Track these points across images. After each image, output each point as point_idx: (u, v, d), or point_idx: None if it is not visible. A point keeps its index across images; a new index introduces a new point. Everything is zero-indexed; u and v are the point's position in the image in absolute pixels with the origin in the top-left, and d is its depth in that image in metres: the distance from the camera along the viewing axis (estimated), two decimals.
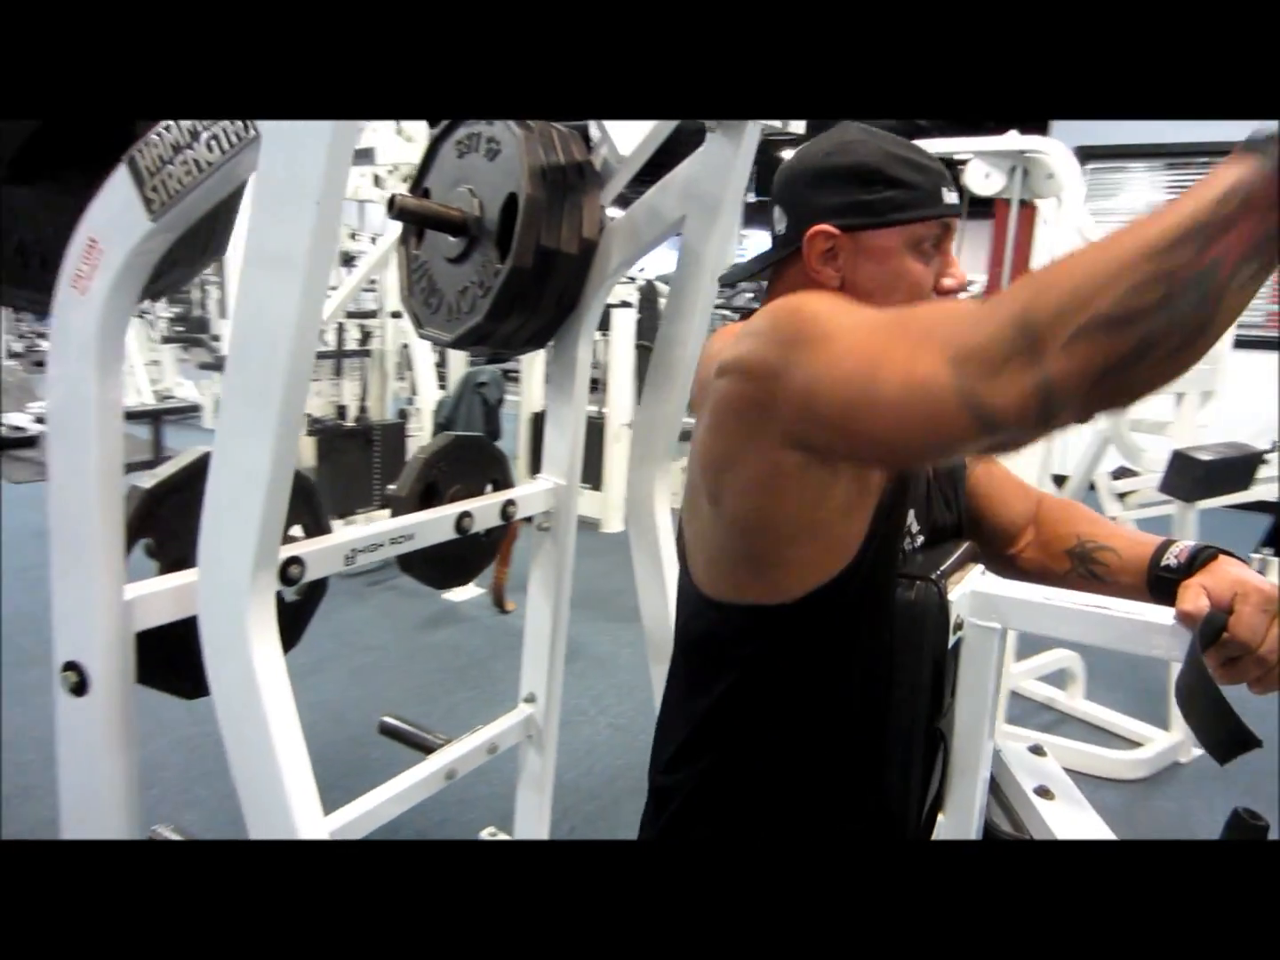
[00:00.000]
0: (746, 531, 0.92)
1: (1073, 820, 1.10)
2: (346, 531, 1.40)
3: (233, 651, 1.03)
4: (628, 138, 1.53)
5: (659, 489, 1.65)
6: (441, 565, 1.67)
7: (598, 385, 4.79)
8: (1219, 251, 0.57)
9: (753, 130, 1.40)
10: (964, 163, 2.56)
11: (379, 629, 3.44)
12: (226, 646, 1.04)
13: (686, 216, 1.49)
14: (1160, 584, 0.98)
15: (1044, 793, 1.13)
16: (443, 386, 4.23)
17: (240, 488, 1.01)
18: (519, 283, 1.50)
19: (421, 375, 3.94)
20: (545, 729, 1.84)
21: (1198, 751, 2.86)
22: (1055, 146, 2.47)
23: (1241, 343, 3.22)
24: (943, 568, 0.98)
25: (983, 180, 2.52)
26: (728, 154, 1.42)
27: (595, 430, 4.05)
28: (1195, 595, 0.90)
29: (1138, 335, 0.58)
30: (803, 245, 0.96)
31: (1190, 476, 2.41)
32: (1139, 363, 0.59)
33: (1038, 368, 0.61)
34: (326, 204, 0.88)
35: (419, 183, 1.68)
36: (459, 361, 5.19)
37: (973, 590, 0.99)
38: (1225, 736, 0.84)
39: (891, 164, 0.94)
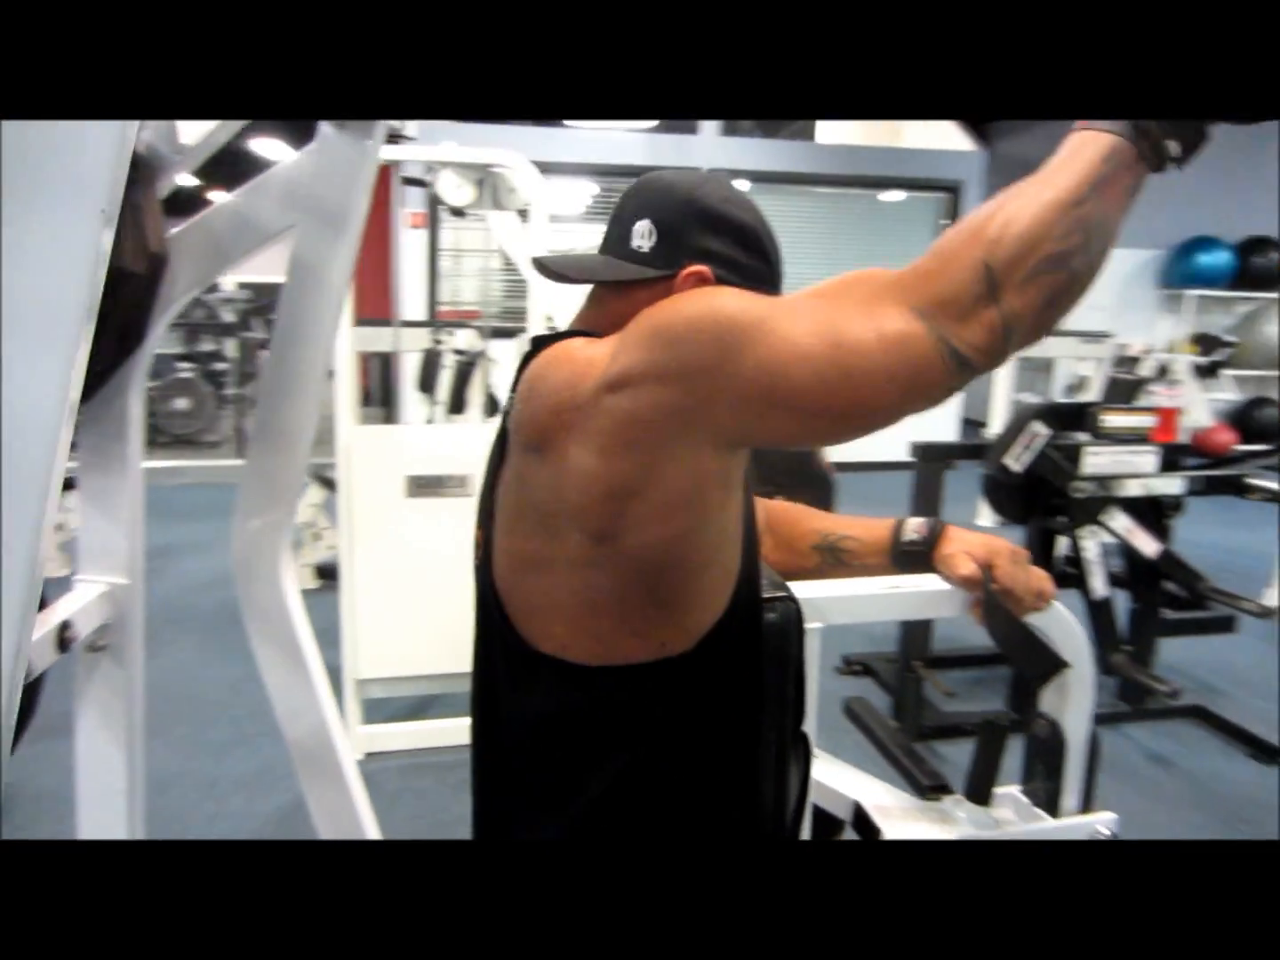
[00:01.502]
0: (653, 569, 0.83)
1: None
2: None
3: None
4: None
5: (282, 551, 1.34)
6: None
7: None
8: (1108, 199, 0.72)
9: (380, 129, 1.21)
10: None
11: None
12: None
13: (297, 227, 1.23)
14: (906, 557, 1.13)
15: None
16: None
17: None
18: None
19: None
20: None
21: None
22: (518, 160, 2.55)
23: None
24: (785, 583, 1.00)
25: (454, 191, 2.52)
26: (351, 156, 1.20)
27: None
28: (966, 561, 1.06)
29: (1070, 269, 0.71)
30: (676, 278, 0.91)
31: None
32: (1070, 289, 0.72)
33: (999, 307, 0.70)
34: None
35: None
36: None
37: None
38: (1044, 665, 1.02)
39: (765, 236, 0.95)
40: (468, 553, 0.99)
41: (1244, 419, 8.09)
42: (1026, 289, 0.70)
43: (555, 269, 0.97)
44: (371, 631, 2.73)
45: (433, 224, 6.96)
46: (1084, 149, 0.72)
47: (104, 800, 1.34)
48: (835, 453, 6.58)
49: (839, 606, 1.05)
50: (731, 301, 0.76)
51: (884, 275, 0.76)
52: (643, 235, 0.92)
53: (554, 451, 0.82)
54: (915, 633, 2.96)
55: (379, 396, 7.31)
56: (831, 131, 8.77)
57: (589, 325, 0.94)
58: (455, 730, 2.81)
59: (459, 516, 2.70)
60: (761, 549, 1.18)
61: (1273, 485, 2.94)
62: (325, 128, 1.20)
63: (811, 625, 1.03)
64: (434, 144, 2.76)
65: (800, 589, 1.02)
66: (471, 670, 1.00)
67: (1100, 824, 1.13)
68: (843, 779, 1.19)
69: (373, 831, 1.35)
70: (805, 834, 1.08)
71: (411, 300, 6.95)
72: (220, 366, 8.46)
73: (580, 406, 0.80)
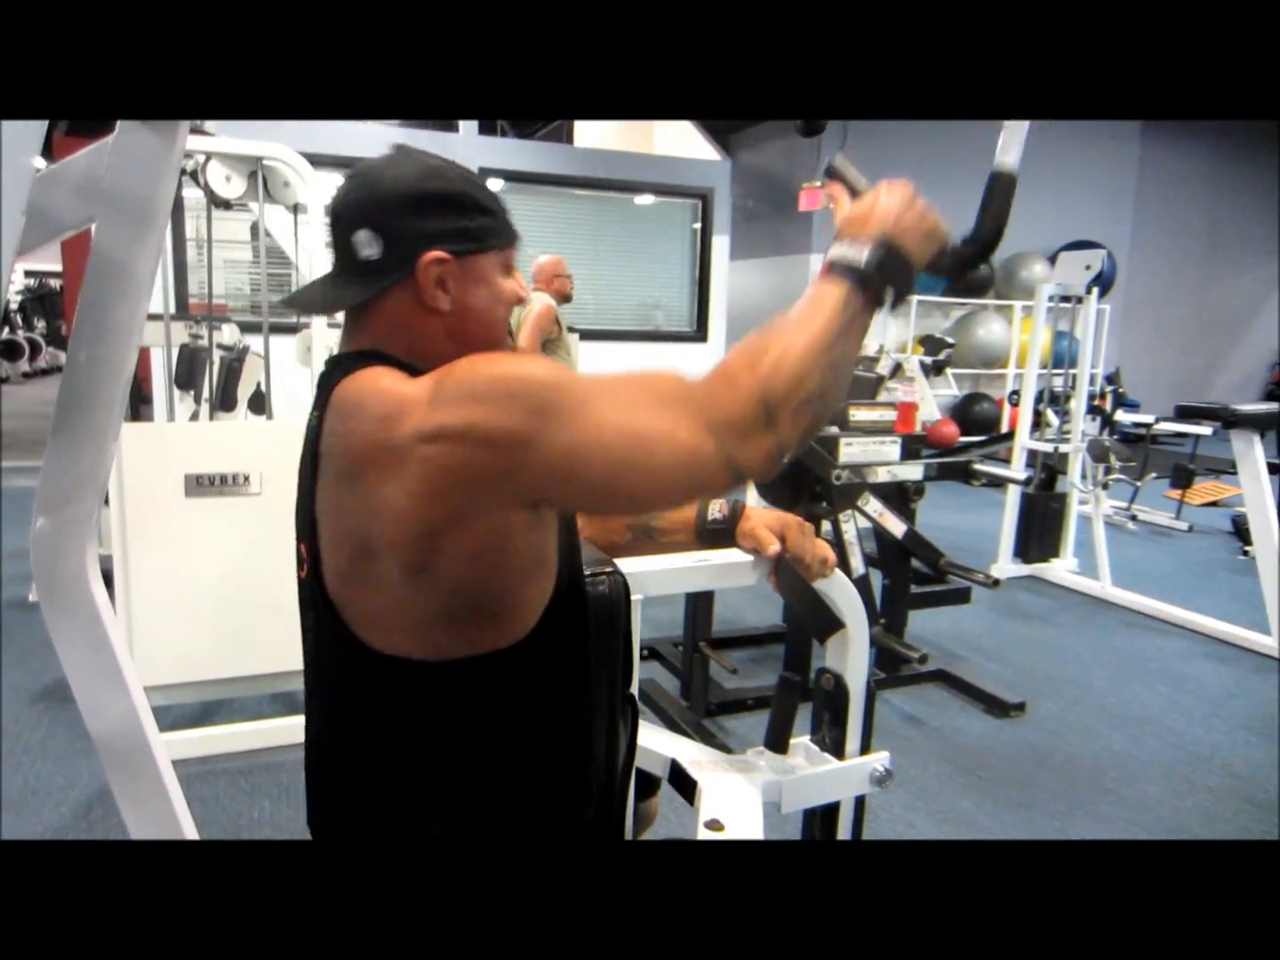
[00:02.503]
0: (470, 593, 0.90)
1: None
2: None
3: None
4: None
5: (87, 547, 1.28)
6: None
7: None
8: (850, 341, 0.90)
9: (186, 121, 1.19)
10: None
11: None
12: None
13: (97, 220, 1.18)
14: (711, 533, 1.26)
15: (715, 825, 1.11)
16: None
17: None
18: None
19: None
20: None
21: None
22: (291, 154, 2.49)
23: None
24: (608, 558, 1.09)
25: (224, 184, 2.41)
26: (154, 146, 1.17)
27: None
28: (768, 535, 1.21)
29: (826, 402, 0.89)
30: (416, 271, 0.94)
31: None
32: (826, 414, 0.91)
33: (774, 434, 0.85)
34: None
35: None
36: None
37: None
38: (824, 623, 1.18)
39: (480, 193, 0.99)
40: (254, 553, 0.99)
41: (964, 413, 9.08)
42: (795, 420, 0.85)
43: (305, 304, 1.00)
44: (150, 637, 2.58)
45: (178, 212, 6.53)
46: (826, 299, 0.89)
47: None
48: None
49: (656, 579, 1.17)
50: (549, 379, 0.84)
51: (680, 386, 0.87)
52: (366, 245, 0.95)
53: (366, 485, 0.86)
54: (699, 616, 3.16)
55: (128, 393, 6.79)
56: (587, 136, 9.01)
57: (367, 341, 0.97)
58: (246, 735, 2.71)
59: (243, 516, 2.61)
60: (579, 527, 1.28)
61: (994, 470, 3.38)
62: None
63: (634, 597, 1.13)
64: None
65: (621, 565, 1.12)
66: (304, 672, 1.02)
67: (877, 762, 1.31)
68: (657, 740, 1.31)
69: (190, 831, 1.33)
70: (630, 791, 1.18)
71: (159, 293, 6.49)
72: None
73: (394, 449, 0.84)
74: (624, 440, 0.82)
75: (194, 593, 2.60)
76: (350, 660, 0.93)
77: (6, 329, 8.46)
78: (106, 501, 2.48)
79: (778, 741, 1.30)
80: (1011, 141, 1.02)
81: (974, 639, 3.99)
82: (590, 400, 0.83)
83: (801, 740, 1.35)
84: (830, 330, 0.87)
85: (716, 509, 1.27)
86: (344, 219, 0.96)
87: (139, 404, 6.16)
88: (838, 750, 1.32)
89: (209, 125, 1.20)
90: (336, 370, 0.94)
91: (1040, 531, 4.66)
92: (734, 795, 1.18)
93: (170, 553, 2.57)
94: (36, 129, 0.64)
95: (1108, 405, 5.12)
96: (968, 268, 1.02)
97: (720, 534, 1.26)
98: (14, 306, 8.06)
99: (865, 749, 1.34)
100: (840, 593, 1.27)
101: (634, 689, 1.13)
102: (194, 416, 3.96)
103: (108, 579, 2.56)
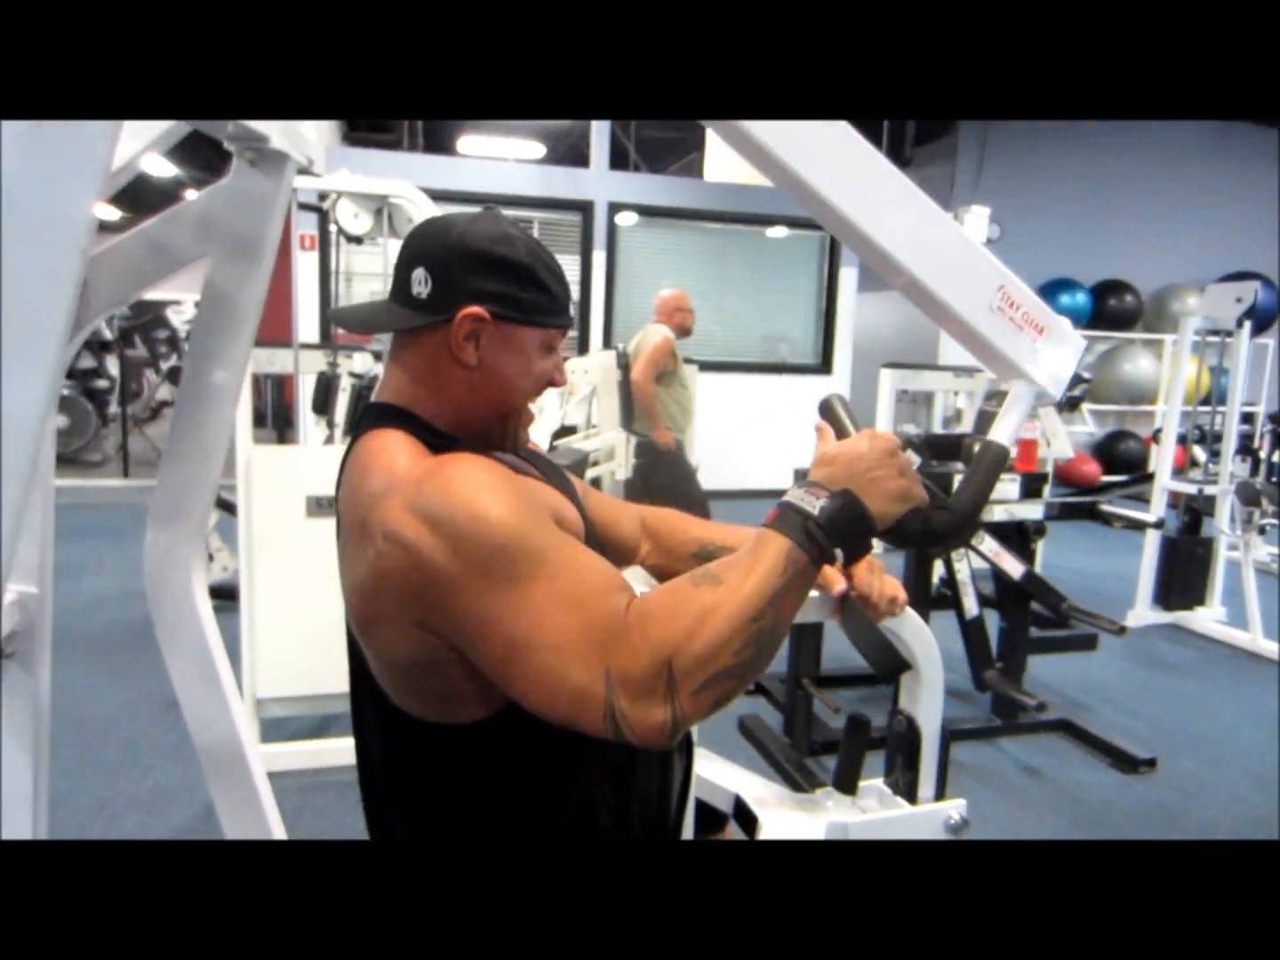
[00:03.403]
0: (413, 679, 0.91)
1: None
2: None
3: None
4: None
5: (195, 565, 1.38)
6: None
7: None
8: (784, 608, 0.81)
9: (293, 164, 1.28)
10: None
11: None
12: None
13: (210, 256, 1.28)
14: None
15: None
16: None
17: None
18: None
19: None
20: None
21: None
22: (414, 192, 2.62)
23: None
24: None
25: (353, 220, 2.57)
26: (265, 189, 1.27)
27: None
28: (833, 572, 1.18)
29: (740, 678, 0.79)
30: (453, 321, 0.96)
31: None
32: (736, 691, 0.80)
33: (672, 706, 0.77)
34: None
35: None
36: None
37: None
38: (889, 664, 1.14)
39: (542, 269, 0.99)
40: None
41: (1107, 451, 8.64)
42: (699, 696, 0.77)
43: (344, 320, 1.04)
44: (271, 650, 2.73)
45: (324, 247, 6.91)
46: (767, 551, 0.81)
47: (10, 806, 1.34)
48: (722, 479, 6.70)
49: None
50: (508, 536, 0.82)
51: (609, 608, 0.81)
52: (420, 282, 0.97)
53: (348, 549, 0.91)
54: (805, 652, 3.10)
55: (274, 419, 7.24)
56: (718, 169, 9.08)
57: (396, 389, 1.00)
58: None
59: None
60: (640, 553, 1.28)
61: (1124, 512, 3.21)
62: (239, 161, 1.26)
63: None
64: (329, 171, 2.81)
65: None
66: (350, 700, 1.06)
67: (953, 810, 1.26)
68: (724, 774, 1.30)
69: (280, 835, 1.39)
70: (689, 826, 1.17)
71: (305, 323, 6.89)
72: (101, 384, 8.28)
73: (367, 530, 0.87)
74: (523, 644, 0.80)
75: (313, 609, 2.72)
76: (374, 700, 0.98)
77: (175, 356, 9.13)
78: (234, 512, 2.65)
79: (847, 782, 1.26)
80: (1011, 411, 0.96)
81: (1104, 688, 3.76)
82: (530, 579, 0.81)
83: (874, 782, 1.31)
84: (764, 592, 0.79)
85: None
86: (410, 254, 1.00)
87: (285, 427, 6.54)
88: (910, 794, 1.27)
89: (316, 165, 1.28)
90: (365, 420, 0.99)
91: (1183, 577, 4.38)
92: (795, 835, 1.16)
93: (291, 570, 2.72)
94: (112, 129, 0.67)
95: (1264, 446, 4.78)
96: (937, 541, 0.93)
97: None
98: (183, 335, 8.76)
99: (940, 795, 1.29)
100: (912, 632, 1.23)
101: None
102: (328, 440, 4.18)
103: (235, 593, 2.74)
